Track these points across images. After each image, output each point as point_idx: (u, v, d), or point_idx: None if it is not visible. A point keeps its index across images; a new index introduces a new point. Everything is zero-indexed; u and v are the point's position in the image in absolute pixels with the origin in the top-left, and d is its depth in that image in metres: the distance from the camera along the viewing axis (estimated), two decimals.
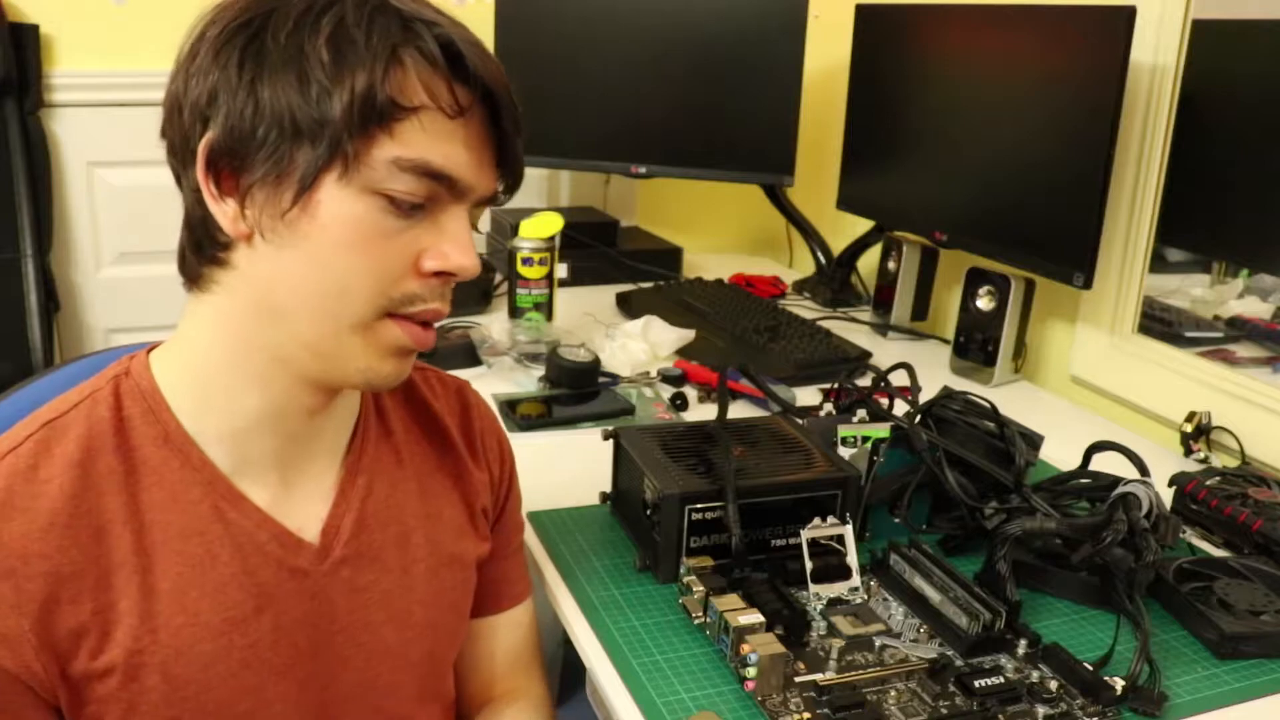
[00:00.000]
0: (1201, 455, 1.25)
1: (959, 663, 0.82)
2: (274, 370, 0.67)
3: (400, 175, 0.63)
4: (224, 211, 0.63)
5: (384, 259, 0.64)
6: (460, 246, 0.66)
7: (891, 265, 1.70)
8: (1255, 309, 1.30)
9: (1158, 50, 1.32)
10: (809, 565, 0.90)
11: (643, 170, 1.87)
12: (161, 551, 0.66)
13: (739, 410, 1.28)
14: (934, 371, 1.53)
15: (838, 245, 1.93)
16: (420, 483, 0.79)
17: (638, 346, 1.45)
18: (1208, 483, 1.08)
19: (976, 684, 0.78)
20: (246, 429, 0.69)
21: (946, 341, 1.61)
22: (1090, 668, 0.81)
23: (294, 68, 0.61)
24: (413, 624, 0.77)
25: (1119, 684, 0.78)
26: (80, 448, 0.66)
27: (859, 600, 0.90)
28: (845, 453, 1.03)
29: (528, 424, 1.25)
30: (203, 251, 0.66)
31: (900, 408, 1.16)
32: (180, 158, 0.65)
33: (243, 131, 0.61)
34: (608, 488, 1.05)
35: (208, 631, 0.67)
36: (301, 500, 0.72)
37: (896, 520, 1.02)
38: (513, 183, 0.70)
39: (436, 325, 0.70)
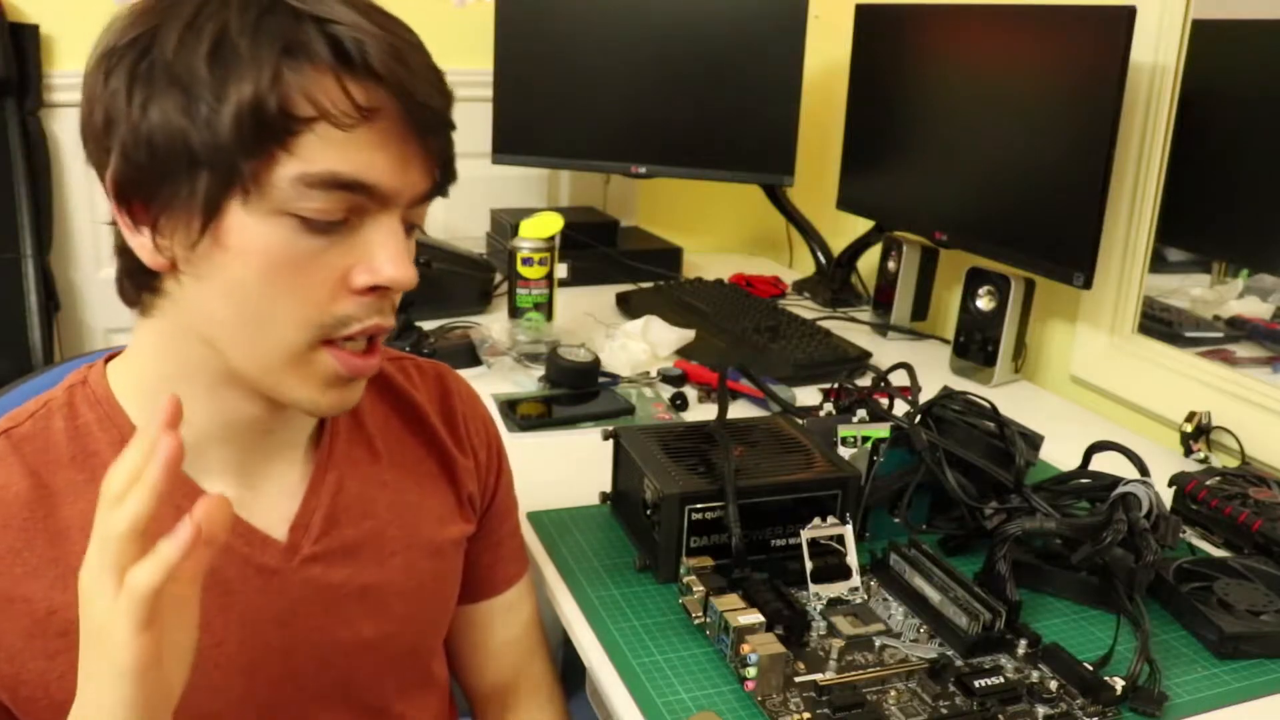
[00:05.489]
0: (1201, 455, 1.25)
1: (959, 663, 0.82)
2: (220, 388, 0.66)
3: (309, 193, 0.58)
4: (142, 244, 0.61)
5: (307, 283, 0.60)
6: (391, 257, 0.61)
7: (891, 265, 1.70)
8: (1255, 309, 1.30)
9: (1158, 50, 1.32)
10: (809, 565, 0.90)
11: (643, 170, 1.87)
12: None
13: (739, 410, 1.28)
14: (934, 371, 1.53)
15: (838, 245, 1.93)
16: (398, 474, 0.78)
17: (638, 346, 1.45)
18: (1208, 483, 1.08)
19: (976, 684, 0.78)
20: (199, 440, 0.68)
21: (946, 341, 1.61)
22: (1090, 668, 0.81)
23: (179, 87, 0.57)
24: (391, 617, 0.76)
25: (1119, 684, 0.78)
26: (36, 456, 0.66)
27: (859, 600, 0.90)
28: (845, 453, 1.03)
29: (528, 424, 1.25)
30: (134, 279, 0.64)
31: (900, 408, 1.16)
32: (103, 184, 0.62)
33: (140, 161, 0.58)
34: (608, 488, 1.05)
35: None
36: (267, 499, 0.72)
37: (896, 520, 1.02)
38: (444, 180, 0.65)
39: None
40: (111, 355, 0.72)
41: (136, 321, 0.68)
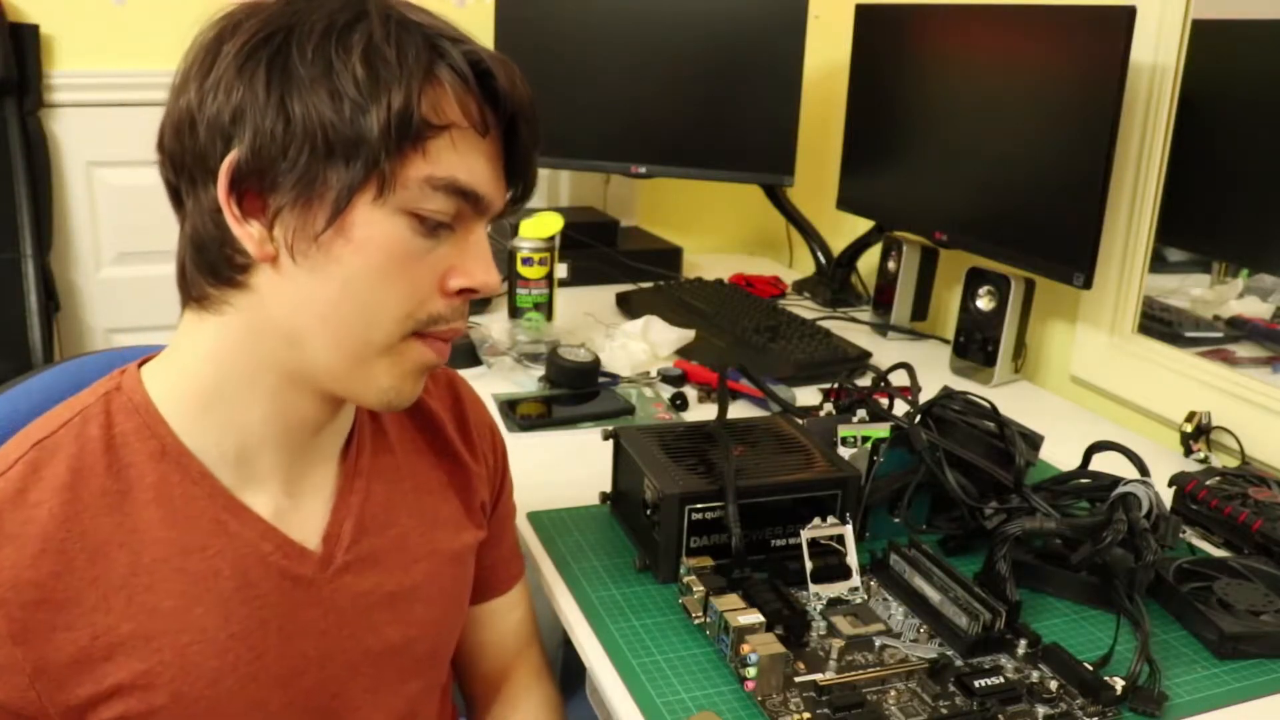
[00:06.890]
0: (1201, 455, 1.25)
1: (959, 663, 0.82)
2: (285, 388, 0.67)
3: (432, 194, 0.63)
4: (249, 234, 0.62)
5: (413, 281, 0.65)
6: (484, 263, 0.67)
7: (891, 265, 1.70)
8: (1255, 309, 1.30)
9: (1158, 50, 1.32)
10: (809, 565, 0.90)
11: (643, 170, 1.87)
12: (162, 570, 0.65)
13: (739, 410, 1.28)
14: (934, 371, 1.53)
15: (838, 245, 1.93)
16: (417, 481, 0.79)
17: (638, 346, 1.45)
18: (1208, 483, 1.08)
19: (976, 684, 0.78)
20: (251, 444, 0.68)
21: (946, 341, 1.61)
22: (1090, 668, 0.81)
23: (325, 84, 0.60)
24: (416, 622, 0.77)
25: (1119, 684, 0.78)
26: (70, 469, 0.64)
27: (859, 600, 0.90)
28: (845, 453, 1.03)
29: (528, 424, 1.25)
30: (216, 274, 0.64)
31: (900, 408, 1.16)
32: (190, 175, 0.63)
33: (271, 151, 0.60)
34: (608, 488, 1.05)
35: (214, 647, 0.66)
36: (304, 508, 0.72)
37: (896, 520, 1.02)
38: (525, 195, 0.71)
39: None
40: (145, 360, 0.70)
41: (191, 322, 0.67)
